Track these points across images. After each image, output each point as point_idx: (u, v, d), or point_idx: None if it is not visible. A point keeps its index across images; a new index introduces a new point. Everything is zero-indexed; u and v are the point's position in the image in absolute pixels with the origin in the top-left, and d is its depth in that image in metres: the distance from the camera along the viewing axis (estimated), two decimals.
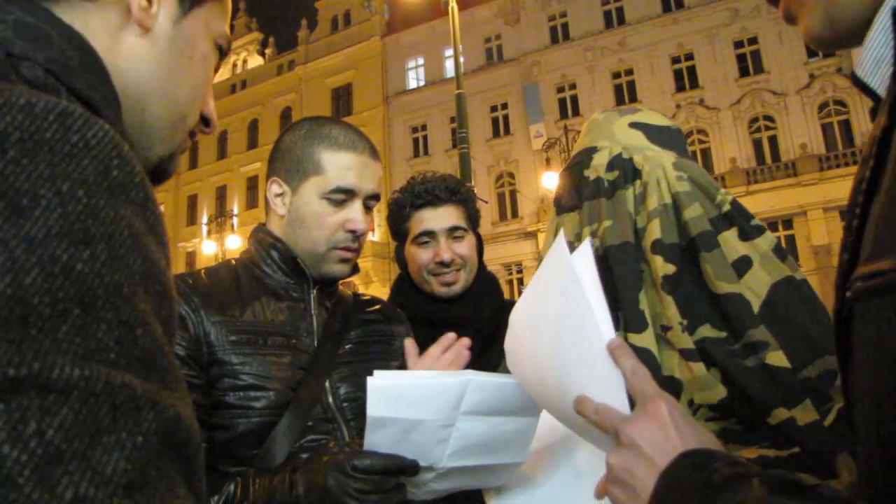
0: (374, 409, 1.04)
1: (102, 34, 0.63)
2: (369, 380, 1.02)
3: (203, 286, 1.36)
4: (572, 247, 0.95)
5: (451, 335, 1.42)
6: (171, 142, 0.73)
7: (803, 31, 0.69)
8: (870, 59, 0.60)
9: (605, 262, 1.12)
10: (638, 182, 1.17)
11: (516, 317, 1.02)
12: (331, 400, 1.35)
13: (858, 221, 0.58)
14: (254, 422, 1.27)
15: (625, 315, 1.08)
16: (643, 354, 1.03)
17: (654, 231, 1.10)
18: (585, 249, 0.92)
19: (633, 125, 1.23)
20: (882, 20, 0.59)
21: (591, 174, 1.20)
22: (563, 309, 0.89)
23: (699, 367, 1.03)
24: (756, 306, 1.05)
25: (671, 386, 1.03)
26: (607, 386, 0.83)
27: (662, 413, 0.78)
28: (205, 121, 0.79)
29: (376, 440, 1.08)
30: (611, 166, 1.19)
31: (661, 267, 1.08)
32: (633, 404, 0.82)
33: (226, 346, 1.29)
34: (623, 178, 1.18)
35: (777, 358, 0.99)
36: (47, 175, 0.41)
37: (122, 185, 0.46)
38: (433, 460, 1.11)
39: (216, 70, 0.81)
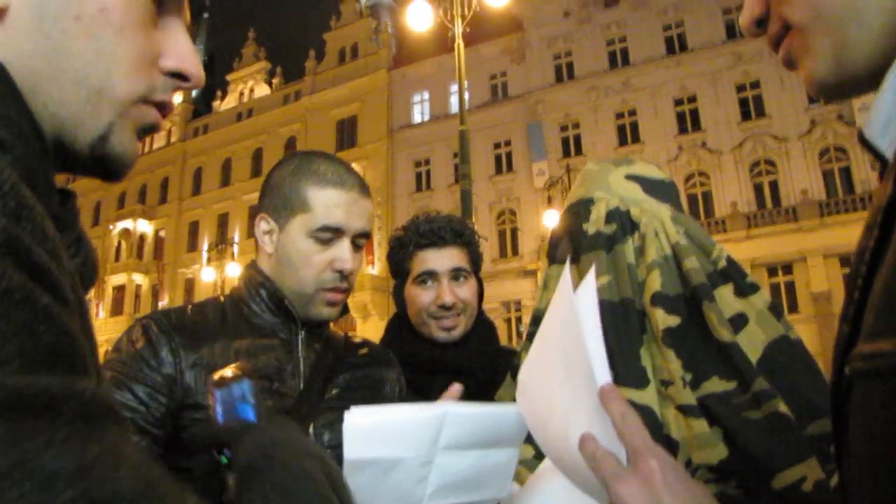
0: (351, 451, 1.00)
1: None
2: (346, 417, 0.98)
3: (187, 323, 1.33)
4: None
5: (457, 388, 1.34)
6: (96, 121, 0.62)
7: (805, 76, 0.66)
8: (878, 120, 0.57)
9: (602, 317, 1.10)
10: (636, 234, 1.15)
11: (534, 349, 1.01)
12: None
13: (860, 293, 0.55)
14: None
15: (625, 371, 1.05)
16: (645, 412, 1.01)
17: (654, 283, 1.09)
18: (590, 285, 0.89)
19: (630, 177, 1.22)
20: (891, 80, 0.56)
21: (590, 228, 1.19)
22: (569, 348, 0.88)
23: (700, 425, 1.00)
24: (753, 363, 1.02)
25: (667, 445, 0.99)
26: (604, 431, 0.81)
27: (654, 474, 0.74)
28: (178, 76, 0.68)
29: (355, 483, 1.05)
30: (609, 218, 1.18)
31: (662, 320, 1.06)
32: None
33: (204, 390, 1.23)
34: (621, 231, 1.16)
35: (786, 407, 0.97)
36: None
37: None
38: (413, 502, 1.07)
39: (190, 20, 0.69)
